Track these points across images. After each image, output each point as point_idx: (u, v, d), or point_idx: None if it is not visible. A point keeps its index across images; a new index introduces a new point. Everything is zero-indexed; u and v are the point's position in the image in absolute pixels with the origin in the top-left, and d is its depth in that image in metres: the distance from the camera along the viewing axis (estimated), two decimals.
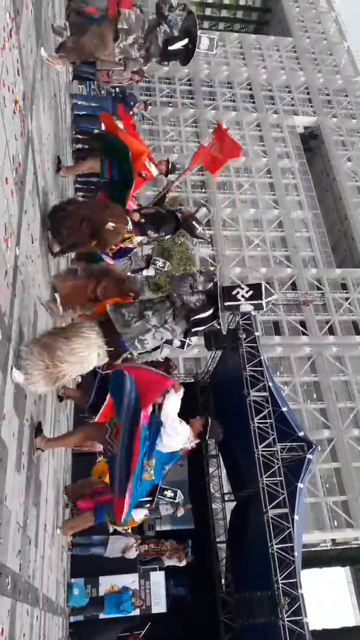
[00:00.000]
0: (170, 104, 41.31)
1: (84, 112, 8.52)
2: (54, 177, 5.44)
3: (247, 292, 3.67)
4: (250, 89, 44.18)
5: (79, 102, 8.68)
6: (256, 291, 3.68)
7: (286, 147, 41.83)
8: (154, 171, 5.92)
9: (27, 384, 3.09)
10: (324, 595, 37.04)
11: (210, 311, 3.64)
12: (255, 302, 3.66)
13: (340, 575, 34.90)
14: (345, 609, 35.13)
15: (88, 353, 3.31)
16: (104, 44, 4.79)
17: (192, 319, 3.62)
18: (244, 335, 12.08)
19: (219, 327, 3.89)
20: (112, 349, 3.41)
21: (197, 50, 5.10)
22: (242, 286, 3.73)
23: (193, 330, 3.70)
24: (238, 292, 3.67)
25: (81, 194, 9.52)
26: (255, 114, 42.56)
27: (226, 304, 3.63)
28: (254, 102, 43.43)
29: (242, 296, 3.64)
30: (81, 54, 5.00)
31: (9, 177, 2.87)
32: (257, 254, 36.92)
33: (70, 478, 8.36)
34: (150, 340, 3.51)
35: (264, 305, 3.68)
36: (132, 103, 8.71)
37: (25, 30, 3.48)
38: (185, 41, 5.02)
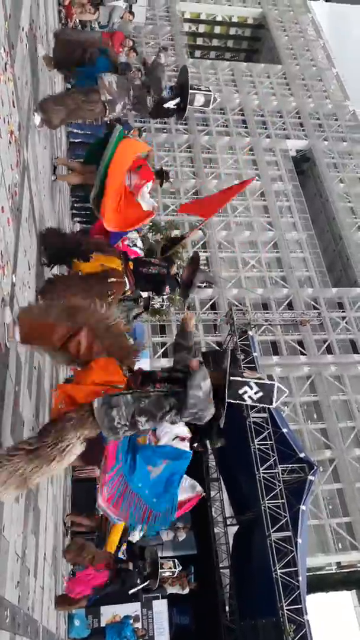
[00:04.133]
0: (165, 130, 42.01)
1: (79, 140, 8.68)
2: (51, 204, 5.52)
3: (255, 393, 3.33)
4: (243, 115, 45.02)
5: (74, 131, 8.86)
6: (266, 392, 3.32)
7: (279, 170, 42.44)
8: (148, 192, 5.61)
9: None
10: (330, 621, 36.20)
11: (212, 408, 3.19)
12: (264, 404, 3.40)
13: (346, 599, 34.13)
14: (352, 634, 34.29)
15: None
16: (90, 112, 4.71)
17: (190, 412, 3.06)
18: (242, 356, 12.07)
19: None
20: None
21: (190, 107, 4.95)
22: (251, 385, 3.35)
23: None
24: (245, 392, 3.32)
25: (78, 219, 9.62)
26: (247, 138, 43.30)
27: (229, 400, 3.22)
28: (246, 127, 44.21)
29: (250, 397, 3.31)
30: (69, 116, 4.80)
31: (5, 205, 2.91)
32: (253, 275, 37.14)
33: (70, 505, 8.25)
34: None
35: (274, 403, 3.37)
36: (126, 131, 8.86)
37: (20, 63, 3.57)
38: (177, 100, 4.96)
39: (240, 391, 3.29)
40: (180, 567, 9.31)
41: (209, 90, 5.11)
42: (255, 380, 3.39)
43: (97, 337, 2.87)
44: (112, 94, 4.65)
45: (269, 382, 3.40)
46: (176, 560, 9.30)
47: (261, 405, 3.39)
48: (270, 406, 3.47)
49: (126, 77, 4.83)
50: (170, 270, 4.98)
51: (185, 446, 4.16)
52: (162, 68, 4.92)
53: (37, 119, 4.36)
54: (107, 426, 2.79)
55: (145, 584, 8.21)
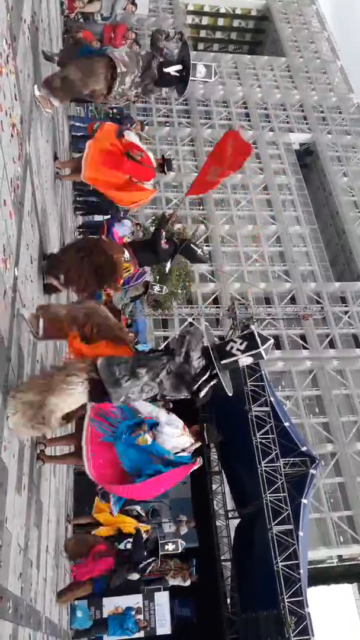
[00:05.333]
0: (167, 124, 41.85)
1: (82, 134, 8.64)
2: (53, 197, 5.51)
3: (241, 344, 3.42)
4: (246, 108, 44.81)
5: (77, 124, 8.83)
6: (250, 341, 3.42)
7: (282, 164, 42.27)
8: (152, 161, 5.60)
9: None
10: (330, 613, 36.39)
11: (207, 375, 3.35)
12: (253, 352, 3.40)
13: (347, 592, 34.30)
14: (353, 626, 34.47)
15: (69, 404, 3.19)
16: (94, 77, 4.69)
17: (184, 380, 3.35)
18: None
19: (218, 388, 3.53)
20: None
21: (192, 78, 5.08)
22: (234, 339, 3.49)
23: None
24: (232, 347, 3.43)
25: (80, 213, 9.61)
26: (251, 131, 43.09)
27: (222, 362, 3.40)
28: (249, 120, 44.02)
29: (238, 349, 3.41)
30: (69, 92, 4.75)
31: (7, 199, 2.91)
32: (256, 269, 37.08)
33: (72, 498, 8.29)
34: (137, 393, 3.30)
35: (263, 353, 3.41)
36: (129, 124, 8.83)
37: (22, 55, 3.56)
38: (179, 67, 5.04)
39: (227, 348, 3.46)
40: (184, 544, 9.37)
41: (209, 64, 5.36)
42: (237, 335, 3.67)
43: (100, 331, 3.50)
44: (126, 64, 4.79)
45: (247, 331, 3.57)
46: (178, 541, 9.33)
47: (252, 356, 3.43)
48: (262, 358, 3.51)
49: (133, 51, 4.97)
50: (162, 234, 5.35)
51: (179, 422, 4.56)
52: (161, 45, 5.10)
53: (36, 92, 4.34)
54: (109, 380, 3.19)
55: (152, 559, 8.36)
